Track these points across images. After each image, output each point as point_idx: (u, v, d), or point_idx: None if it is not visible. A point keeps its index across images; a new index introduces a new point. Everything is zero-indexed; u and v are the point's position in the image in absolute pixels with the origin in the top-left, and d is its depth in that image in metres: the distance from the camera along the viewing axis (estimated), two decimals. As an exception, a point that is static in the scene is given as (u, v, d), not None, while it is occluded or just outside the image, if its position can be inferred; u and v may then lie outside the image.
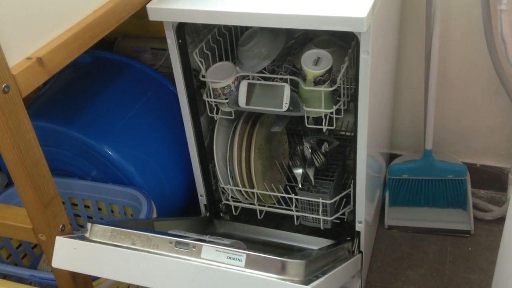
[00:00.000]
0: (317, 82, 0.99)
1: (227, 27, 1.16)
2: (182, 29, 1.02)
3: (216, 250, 0.73)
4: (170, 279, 0.72)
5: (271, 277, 0.70)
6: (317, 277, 0.75)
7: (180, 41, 1.03)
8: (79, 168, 1.16)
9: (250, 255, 0.71)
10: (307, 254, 0.84)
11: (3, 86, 0.66)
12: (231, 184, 1.21)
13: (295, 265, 0.70)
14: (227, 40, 1.16)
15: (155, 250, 0.75)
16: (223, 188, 1.24)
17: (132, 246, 0.76)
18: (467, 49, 1.36)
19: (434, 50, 1.29)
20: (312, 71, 0.98)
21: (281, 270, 0.70)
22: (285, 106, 1.03)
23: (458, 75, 1.40)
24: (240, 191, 1.21)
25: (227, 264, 0.72)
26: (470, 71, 1.39)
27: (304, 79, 1.00)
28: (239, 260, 0.72)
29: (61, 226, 0.80)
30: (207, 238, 0.82)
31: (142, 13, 0.97)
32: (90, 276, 0.91)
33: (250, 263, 0.71)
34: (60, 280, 0.86)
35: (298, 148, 1.25)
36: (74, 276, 0.85)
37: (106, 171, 1.14)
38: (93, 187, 1.15)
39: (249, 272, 0.70)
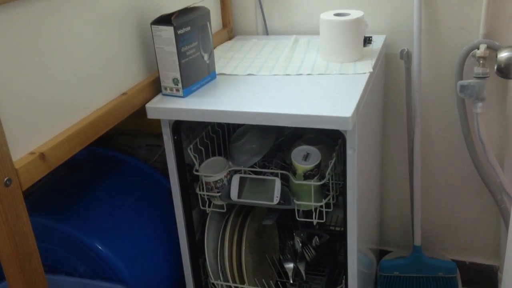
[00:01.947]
0: (307, 176, 1.03)
1: (220, 125, 1.22)
2: (178, 126, 1.08)
3: None
4: None
5: None
6: None
7: (175, 137, 1.08)
8: (67, 264, 1.14)
9: None
10: None
11: (5, 179, 0.68)
12: (221, 279, 1.19)
13: None
14: (220, 137, 1.22)
15: None
16: (213, 284, 1.22)
17: None
18: (448, 149, 1.42)
19: (416, 151, 1.36)
20: (302, 166, 1.02)
21: None
22: (276, 200, 1.06)
23: (441, 173, 1.45)
24: (230, 287, 1.19)
25: None
26: (452, 170, 1.44)
27: (294, 173, 1.04)
28: None
29: (48, 322, 0.78)
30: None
31: (139, 112, 1.03)
32: None
33: None
34: None
35: (289, 243, 1.25)
36: None
37: (94, 266, 1.13)
38: (81, 284, 1.12)
39: None
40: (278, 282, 1.26)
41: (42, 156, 0.74)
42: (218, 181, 1.11)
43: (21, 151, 0.72)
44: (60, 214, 1.12)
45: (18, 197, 0.70)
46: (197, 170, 1.12)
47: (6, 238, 0.69)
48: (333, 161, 1.05)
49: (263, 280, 1.20)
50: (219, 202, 1.14)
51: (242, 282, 1.16)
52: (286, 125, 0.98)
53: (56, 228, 1.09)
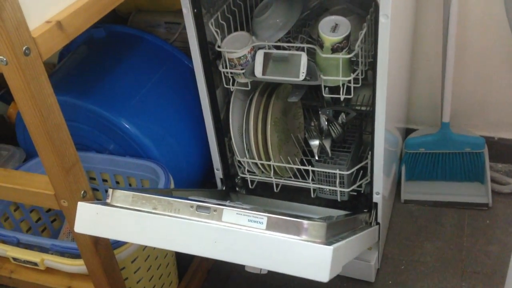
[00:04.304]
0: (335, 49, 0.98)
1: (242, -3, 1.15)
2: (197, -1, 1.02)
3: (237, 214, 0.73)
4: (192, 242, 0.72)
5: (293, 238, 0.69)
6: (338, 241, 0.74)
7: (195, 10, 1.03)
8: (97, 142, 1.17)
9: (271, 218, 0.71)
10: (327, 218, 0.84)
11: (24, 48, 0.66)
12: (247, 157, 1.21)
13: (316, 226, 0.70)
14: (241, 11, 1.15)
15: (176, 214, 0.75)
16: (239, 161, 1.24)
17: (154, 211, 0.76)
18: (486, 20, 1.33)
19: (452, 20, 1.27)
20: (330, 38, 0.97)
21: (303, 231, 0.70)
22: (302, 75, 1.02)
23: (476, 47, 1.38)
24: (256, 164, 1.21)
25: (248, 226, 0.72)
26: (489, 43, 1.36)
27: (321, 46, 0.99)
28: (260, 222, 0.72)
29: (82, 192, 0.80)
30: (227, 203, 0.82)
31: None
32: (112, 244, 0.91)
33: (271, 226, 0.71)
34: (81, 248, 0.87)
35: (315, 120, 1.24)
36: (96, 243, 0.86)
37: (123, 144, 1.15)
38: (111, 160, 1.15)
39: (270, 234, 0.70)
40: (304, 160, 1.28)
41: (59, 24, 0.70)
42: (242, 57, 1.07)
43: (37, 19, 0.69)
44: (85, 93, 1.11)
45: (39, 67, 0.68)
46: (219, 46, 1.08)
47: (32, 108, 0.69)
48: (363, 31, 0.99)
49: (288, 157, 1.21)
50: (243, 80, 1.12)
51: (268, 159, 1.18)
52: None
53: (82, 106, 1.10)
